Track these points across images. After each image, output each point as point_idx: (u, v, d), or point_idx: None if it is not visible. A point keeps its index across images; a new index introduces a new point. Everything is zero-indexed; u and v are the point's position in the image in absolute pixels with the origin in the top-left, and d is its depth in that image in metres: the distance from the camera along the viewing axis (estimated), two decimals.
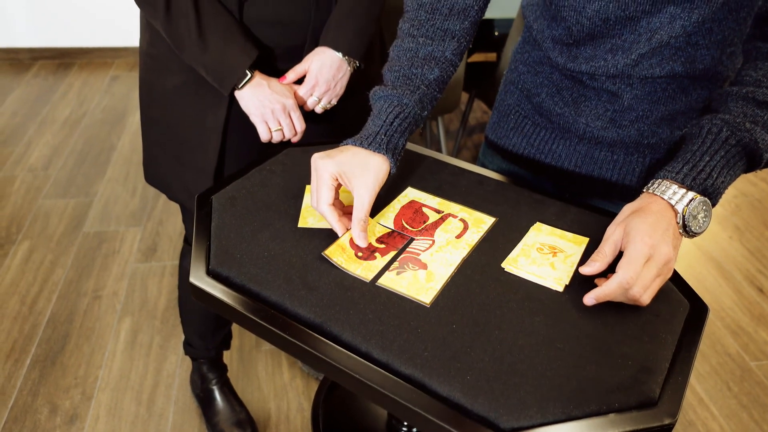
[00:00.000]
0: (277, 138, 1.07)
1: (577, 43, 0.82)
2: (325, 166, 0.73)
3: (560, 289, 0.68)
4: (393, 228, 0.77)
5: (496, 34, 2.18)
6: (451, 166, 0.90)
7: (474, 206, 0.81)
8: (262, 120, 1.04)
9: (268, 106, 1.03)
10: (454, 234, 0.76)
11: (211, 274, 0.70)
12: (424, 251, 0.73)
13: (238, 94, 1.03)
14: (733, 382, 1.75)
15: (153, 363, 1.72)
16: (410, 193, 0.84)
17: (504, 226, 0.78)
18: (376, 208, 0.80)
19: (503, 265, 0.72)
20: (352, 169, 0.73)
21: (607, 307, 0.66)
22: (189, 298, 1.44)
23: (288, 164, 0.89)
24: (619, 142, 0.87)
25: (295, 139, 1.10)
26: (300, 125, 1.07)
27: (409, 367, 0.59)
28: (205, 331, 1.48)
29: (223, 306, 0.67)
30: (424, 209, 0.80)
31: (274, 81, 1.05)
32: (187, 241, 1.38)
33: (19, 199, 2.37)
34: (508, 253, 0.74)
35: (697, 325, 0.64)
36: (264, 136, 1.06)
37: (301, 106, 1.09)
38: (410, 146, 0.96)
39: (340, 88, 1.11)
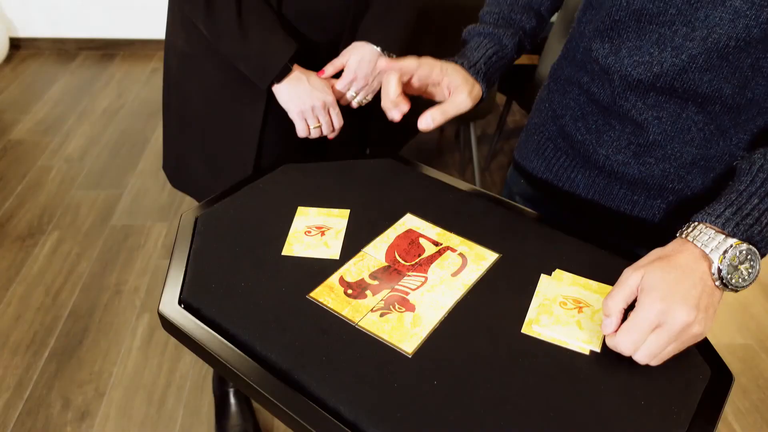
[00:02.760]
0: (315, 135, 1.04)
1: (621, 30, 0.72)
2: (436, 61, 0.76)
3: (587, 353, 0.60)
4: (384, 261, 0.71)
5: None
6: (457, 191, 0.83)
7: (476, 239, 0.74)
8: (301, 117, 1.02)
9: (308, 102, 1.00)
10: (450, 271, 0.69)
11: (183, 303, 0.65)
12: (414, 290, 0.67)
13: (276, 89, 1.00)
14: None
15: (167, 363, 1.71)
16: (408, 221, 0.77)
17: (507, 264, 0.71)
18: (370, 234, 0.74)
19: (524, 331, 0.62)
20: (456, 75, 0.76)
21: (610, 371, 0.58)
22: None
23: (282, 183, 0.84)
24: (640, 181, 0.78)
25: (331, 136, 1.07)
26: (338, 122, 1.04)
27: (377, 429, 0.53)
28: None
29: (190, 340, 0.62)
30: (421, 240, 0.74)
31: (313, 75, 1.02)
32: None
33: (54, 188, 2.41)
34: (507, 296, 0.66)
35: (717, 400, 0.56)
36: (302, 133, 1.04)
37: (338, 100, 1.06)
38: (417, 165, 0.89)
39: (377, 84, 1.07)
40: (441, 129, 2.90)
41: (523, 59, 2.85)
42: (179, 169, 1.22)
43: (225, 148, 1.13)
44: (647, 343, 0.54)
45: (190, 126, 1.16)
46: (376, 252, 0.72)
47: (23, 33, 3.51)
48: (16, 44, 3.52)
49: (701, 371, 0.59)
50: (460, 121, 2.22)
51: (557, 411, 0.54)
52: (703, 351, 0.60)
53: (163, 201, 2.36)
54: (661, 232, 0.78)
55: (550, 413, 0.54)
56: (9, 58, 3.45)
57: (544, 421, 0.53)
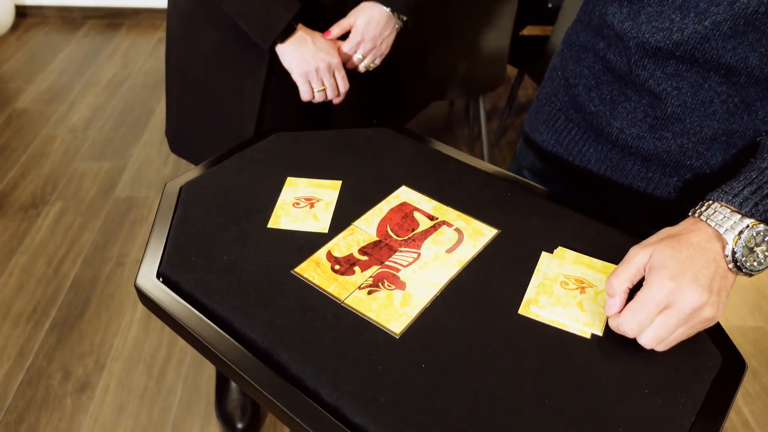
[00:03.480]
0: (318, 98, 1.01)
1: None
2: None
3: (588, 336, 0.56)
4: (375, 235, 0.67)
5: (550, 6, 2.00)
6: (457, 162, 0.79)
7: (475, 214, 0.70)
8: (305, 79, 0.98)
9: (312, 64, 0.96)
10: (445, 247, 0.65)
11: (161, 276, 0.62)
12: (405, 267, 0.63)
13: (279, 49, 0.97)
14: None
15: (168, 336, 1.70)
16: (403, 194, 0.73)
17: (506, 241, 0.67)
18: (361, 207, 0.70)
19: (521, 312, 0.59)
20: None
21: (612, 356, 0.54)
22: None
23: (273, 152, 0.80)
24: (655, 156, 0.73)
25: (337, 101, 1.03)
26: (344, 86, 1.01)
27: (358, 415, 0.49)
28: None
29: (166, 316, 0.59)
30: (416, 214, 0.70)
31: (318, 36, 0.98)
32: None
33: (58, 159, 2.39)
34: (505, 275, 0.62)
35: (728, 389, 0.52)
36: (305, 97, 1.00)
37: (344, 63, 1.02)
38: (416, 136, 0.84)
39: (385, 47, 1.02)
40: (451, 103, 2.83)
41: (536, 30, 2.76)
42: (179, 134, 1.19)
43: (225, 114, 1.09)
44: (654, 326, 0.50)
45: (190, 89, 1.12)
46: (367, 226, 0.68)
47: (29, 1, 3.47)
48: (22, 12, 3.48)
49: (711, 357, 0.54)
50: (469, 95, 2.16)
51: (554, 398, 0.51)
52: (713, 336, 0.56)
53: (166, 173, 2.33)
54: (675, 212, 0.74)
55: (545, 401, 0.50)
56: (15, 26, 3.41)
57: (538, 409, 0.50)
